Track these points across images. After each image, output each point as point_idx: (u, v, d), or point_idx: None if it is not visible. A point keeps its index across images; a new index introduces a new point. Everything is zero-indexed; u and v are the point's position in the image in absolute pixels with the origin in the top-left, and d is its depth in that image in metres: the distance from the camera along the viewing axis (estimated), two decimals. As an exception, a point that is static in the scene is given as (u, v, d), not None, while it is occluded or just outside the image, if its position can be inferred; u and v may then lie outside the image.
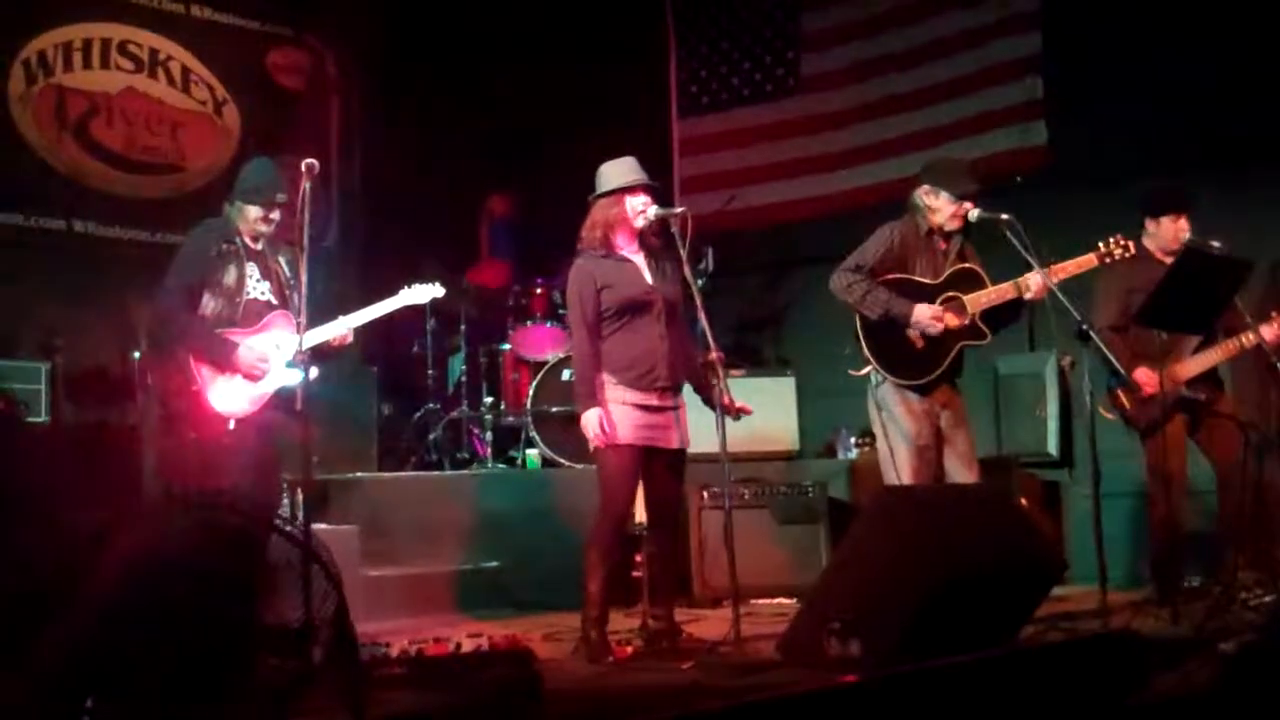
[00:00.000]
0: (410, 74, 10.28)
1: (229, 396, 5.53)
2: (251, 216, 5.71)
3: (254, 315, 5.66)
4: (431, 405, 9.02)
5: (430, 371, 9.09)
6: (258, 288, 5.71)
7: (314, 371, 5.45)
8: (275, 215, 5.73)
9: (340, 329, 5.80)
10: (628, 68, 10.71)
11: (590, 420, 5.42)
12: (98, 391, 8.24)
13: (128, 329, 8.01)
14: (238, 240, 5.70)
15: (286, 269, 5.83)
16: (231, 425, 5.51)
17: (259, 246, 5.77)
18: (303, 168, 5.22)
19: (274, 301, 5.75)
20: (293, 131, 9.62)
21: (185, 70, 9.47)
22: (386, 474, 8.11)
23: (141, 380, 7.86)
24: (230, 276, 5.64)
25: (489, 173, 10.53)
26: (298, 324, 5.51)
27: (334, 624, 3.51)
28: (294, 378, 5.50)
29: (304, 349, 5.08)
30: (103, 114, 9.08)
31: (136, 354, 7.89)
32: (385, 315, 6.02)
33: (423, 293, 6.11)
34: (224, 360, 5.52)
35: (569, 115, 10.45)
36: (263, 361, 5.56)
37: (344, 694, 3.45)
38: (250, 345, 5.57)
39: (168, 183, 9.33)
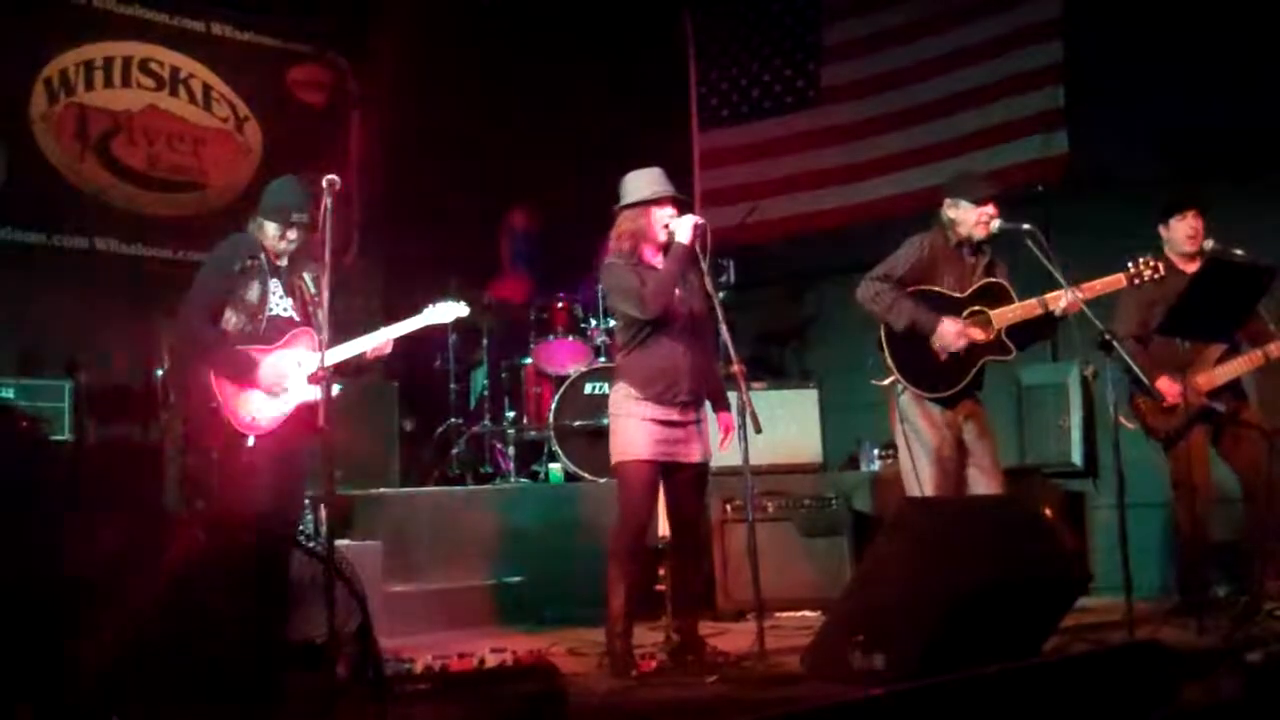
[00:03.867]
0: (430, 89, 10.29)
1: (250, 413, 5.50)
2: (270, 234, 5.68)
3: (276, 332, 5.61)
4: (454, 420, 9.03)
5: (452, 386, 9.11)
6: (280, 304, 5.67)
7: (336, 388, 5.47)
8: (292, 235, 5.67)
9: (375, 341, 5.76)
10: (648, 81, 10.74)
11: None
12: (121, 409, 8.27)
13: (150, 347, 8.03)
14: (262, 256, 5.67)
15: (311, 286, 5.78)
16: (251, 442, 5.47)
17: (283, 263, 5.74)
18: (324, 184, 5.25)
19: (297, 318, 5.70)
20: (314, 148, 9.67)
21: (206, 88, 9.53)
22: (409, 489, 8.09)
23: (164, 397, 7.88)
24: (253, 292, 5.60)
25: (510, 187, 10.54)
26: (320, 341, 5.53)
27: (358, 640, 3.51)
28: (317, 393, 5.47)
29: (325, 366, 5.10)
30: (124, 132, 9.13)
31: (159, 371, 7.92)
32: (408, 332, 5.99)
33: (447, 311, 6.03)
34: (244, 376, 5.48)
35: (589, 128, 10.47)
36: (282, 379, 5.52)
37: (368, 710, 3.45)
38: (271, 362, 5.52)
39: (189, 201, 9.38)
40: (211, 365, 5.53)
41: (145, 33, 9.29)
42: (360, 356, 5.79)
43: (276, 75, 9.94)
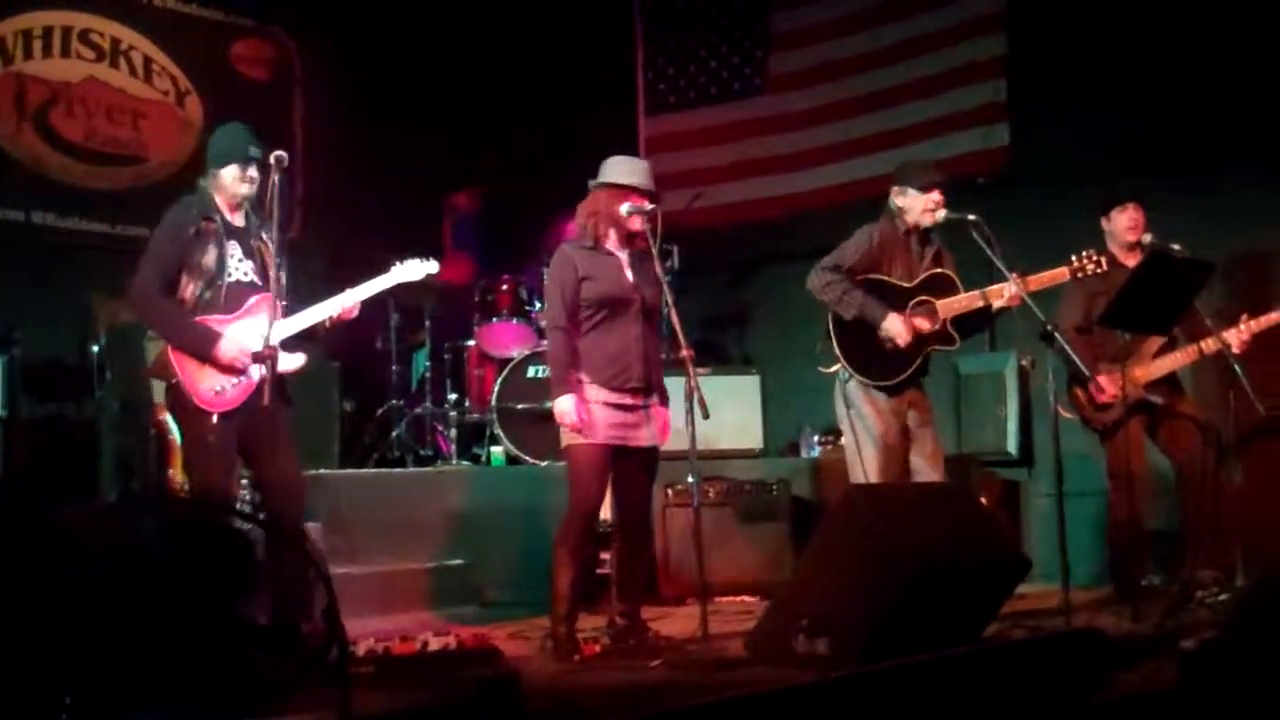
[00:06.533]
0: (375, 67, 10.23)
1: (213, 387, 5.21)
2: (228, 179, 5.36)
3: (236, 298, 5.31)
4: (395, 402, 8.97)
5: (394, 367, 9.06)
6: (240, 268, 5.37)
7: (301, 359, 5.36)
8: (253, 173, 5.36)
9: (340, 305, 5.52)
10: (594, 65, 10.72)
11: (565, 406, 5.38)
12: (56, 385, 8.15)
13: (87, 321, 7.93)
14: (218, 218, 5.34)
15: (273, 247, 5.49)
16: (215, 419, 5.18)
17: (240, 223, 5.45)
18: (271, 160, 5.17)
19: (258, 282, 5.40)
20: (257, 124, 9.50)
21: (147, 60, 9.40)
22: (349, 470, 8.03)
23: (100, 374, 7.78)
24: (210, 257, 5.27)
25: (453, 168, 10.50)
26: (282, 307, 5.35)
27: (324, 623, 3.49)
28: (283, 362, 5.28)
29: (271, 344, 5.01)
30: (63, 103, 8.99)
31: (95, 347, 7.81)
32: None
33: (415, 269, 5.83)
34: (204, 351, 5.19)
35: (535, 112, 10.45)
36: (245, 354, 5.22)
37: (330, 693, 3.43)
38: (232, 335, 5.23)
39: (128, 174, 9.26)
40: (169, 339, 5.25)
41: (85, 3, 9.16)
42: (325, 322, 5.53)
43: (219, 49, 9.83)
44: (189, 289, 5.29)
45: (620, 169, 5.63)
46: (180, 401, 5.26)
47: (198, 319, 5.26)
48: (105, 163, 9.17)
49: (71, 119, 9.03)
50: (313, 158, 10.06)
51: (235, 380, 5.25)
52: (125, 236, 9.00)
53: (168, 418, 6.88)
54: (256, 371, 5.27)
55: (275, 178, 5.12)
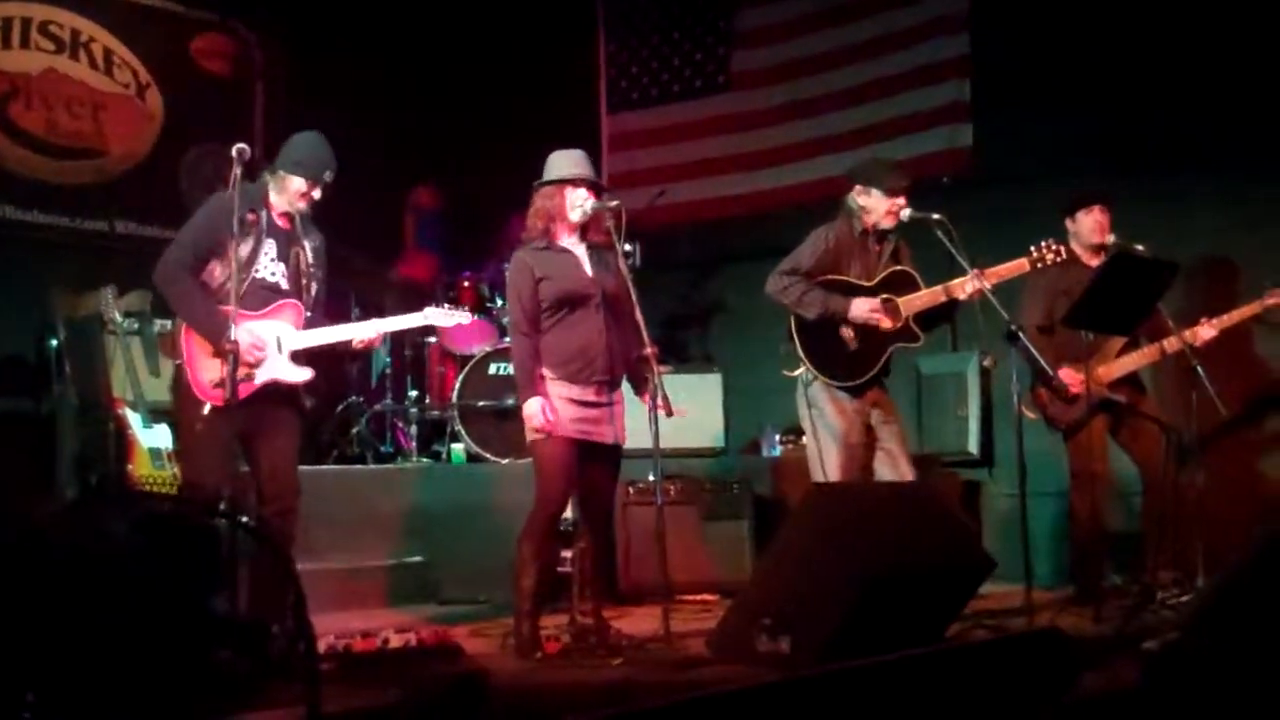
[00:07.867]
0: (336, 62, 10.16)
1: (214, 379, 5.05)
2: (292, 189, 5.32)
3: (258, 297, 5.23)
4: (355, 398, 8.93)
5: (354, 363, 9.00)
6: (270, 268, 5.28)
7: (308, 373, 5.34)
8: (316, 194, 5.35)
9: (362, 332, 5.53)
10: (557, 61, 10.69)
11: (533, 408, 5.36)
12: (12, 379, 8.07)
13: (45, 315, 7.84)
14: (264, 213, 5.28)
15: (311, 255, 5.43)
16: (207, 410, 5.04)
17: (284, 225, 5.36)
18: (234, 153, 5.11)
19: (284, 286, 5.33)
20: (217, 118, 9.50)
21: (108, 52, 9.29)
22: (308, 467, 7.92)
23: (58, 368, 7.69)
24: (244, 249, 5.17)
25: (415, 164, 10.44)
26: (306, 318, 5.34)
27: (292, 619, 3.45)
28: (289, 373, 5.28)
29: (232, 340, 4.94)
30: (22, 96, 8.85)
31: (54, 342, 7.73)
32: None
33: (448, 316, 5.86)
34: (218, 338, 5.02)
35: (497, 108, 10.42)
36: (257, 350, 5.17)
37: (296, 689, 3.39)
38: (250, 329, 5.14)
39: (88, 167, 9.14)
40: (186, 317, 5.16)
41: (45, -6, 9.06)
42: (346, 343, 5.54)
43: (179, 43, 9.73)
44: (216, 273, 5.19)
45: (556, 164, 5.63)
46: (181, 385, 5.19)
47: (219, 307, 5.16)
48: (65, 156, 9.04)
49: (31, 111, 8.91)
50: (274, 152, 9.97)
51: (239, 377, 5.05)
52: (85, 230, 8.95)
53: (126, 412, 6.89)
54: (261, 374, 5.23)
55: (236, 170, 5.06)
